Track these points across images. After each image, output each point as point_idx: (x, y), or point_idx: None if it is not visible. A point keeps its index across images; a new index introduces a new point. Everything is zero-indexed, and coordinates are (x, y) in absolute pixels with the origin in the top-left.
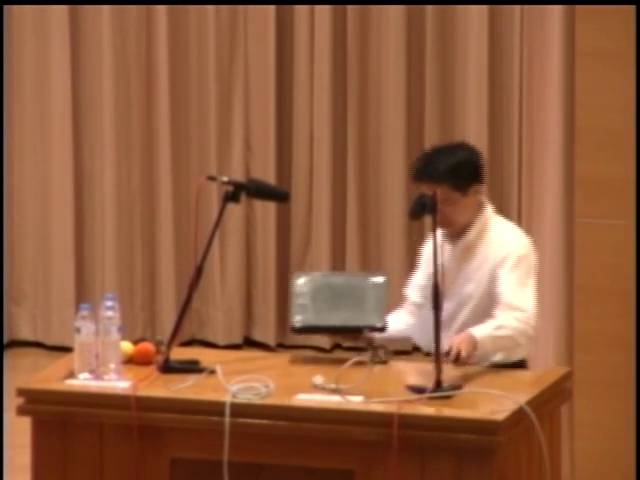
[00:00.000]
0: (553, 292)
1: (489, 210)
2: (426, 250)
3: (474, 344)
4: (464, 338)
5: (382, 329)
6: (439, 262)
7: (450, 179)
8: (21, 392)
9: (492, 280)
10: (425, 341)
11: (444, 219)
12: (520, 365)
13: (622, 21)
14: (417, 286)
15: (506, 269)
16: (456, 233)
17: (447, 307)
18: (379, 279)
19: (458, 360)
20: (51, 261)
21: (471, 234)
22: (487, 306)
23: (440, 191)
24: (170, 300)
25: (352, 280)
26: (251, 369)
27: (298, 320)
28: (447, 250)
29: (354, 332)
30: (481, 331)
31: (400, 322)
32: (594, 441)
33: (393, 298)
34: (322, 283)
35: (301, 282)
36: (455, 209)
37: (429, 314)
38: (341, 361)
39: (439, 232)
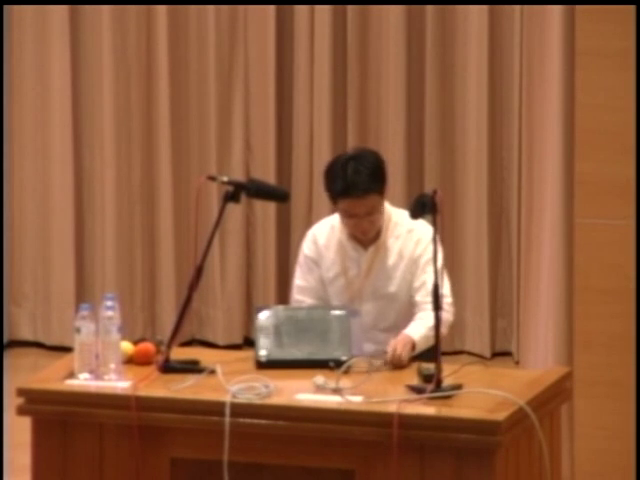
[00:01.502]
0: (553, 292)
1: (388, 206)
2: (314, 251)
3: (412, 346)
4: (403, 342)
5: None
6: (439, 262)
7: (376, 187)
8: (21, 392)
9: (410, 271)
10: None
11: (370, 226)
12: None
13: (622, 21)
14: (308, 289)
15: (424, 257)
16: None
17: (369, 307)
18: (341, 312)
19: (396, 362)
20: (51, 261)
21: (382, 233)
22: (406, 296)
23: (369, 201)
24: (170, 300)
25: (314, 314)
26: (251, 369)
27: (263, 355)
28: (357, 251)
29: (320, 366)
30: (417, 332)
31: None
32: (594, 441)
33: None
34: (285, 317)
35: (264, 317)
36: (379, 216)
37: None
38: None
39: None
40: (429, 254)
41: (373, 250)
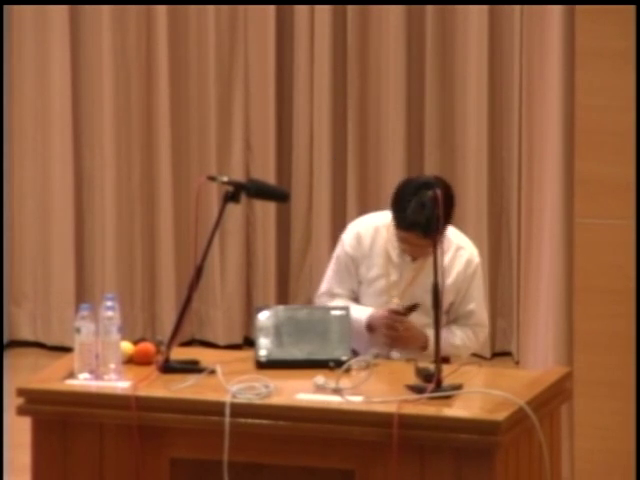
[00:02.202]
0: (553, 292)
1: None
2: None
3: (422, 345)
4: (418, 336)
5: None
6: (439, 262)
7: (431, 235)
8: (21, 392)
9: (456, 292)
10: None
11: (419, 252)
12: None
13: (622, 21)
14: (343, 284)
15: (475, 285)
16: None
17: (414, 317)
18: (341, 312)
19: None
20: (51, 261)
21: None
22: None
23: (423, 240)
24: (170, 300)
25: (314, 314)
26: (251, 369)
27: (263, 355)
28: (403, 259)
29: (320, 366)
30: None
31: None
32: (594, 441)
33: None
34: (285, 317)
35: (264, 317)
36: (430, 249)
37: None
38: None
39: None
40: (478, 281)
41: (421, 262)
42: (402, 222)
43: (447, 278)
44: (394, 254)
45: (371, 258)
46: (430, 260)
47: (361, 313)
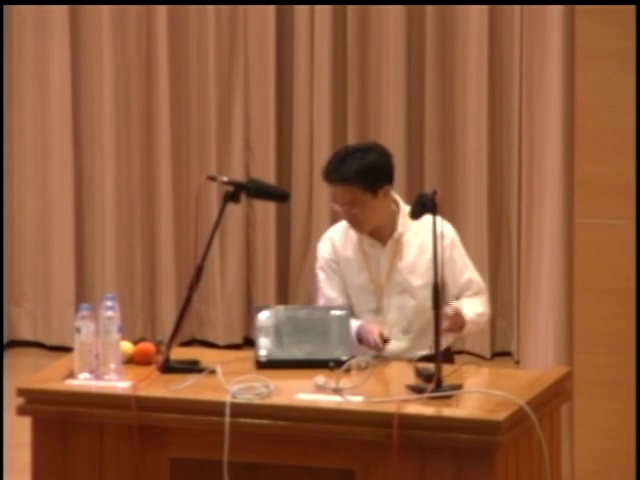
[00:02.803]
0: (553, 292)
1: (402, 204)
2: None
3: (462, 327)
4: (458, 322)
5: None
6: (439, 262)
7: (360, 181)
8: (21, 392)
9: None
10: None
11: (353, 220)
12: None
13: (622, 21)
14: (337, 288)
15: (457, 254)
16: (377, 234)
17: (393, 303)
18: (341, 312)
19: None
20: (51, 261)
21: (399, 228)
22: (428, 295)
23: (349, 192)
24: (170, 300)
25: (314, 314)
26: (251, 369)
27: (263, 355)
28: (375, 248)
29: (320, 366)
30: (468, 315)
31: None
32: (594, 441)
33: None
34: (285, 317)
35: (264, 317)
36: (364, 210)
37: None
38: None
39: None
40: (460, 249)
41: (391, 245)
42: (323, 172)
43: (424, 256)
44: (367, 244)
45: (347, 257)
46: (401, 246)
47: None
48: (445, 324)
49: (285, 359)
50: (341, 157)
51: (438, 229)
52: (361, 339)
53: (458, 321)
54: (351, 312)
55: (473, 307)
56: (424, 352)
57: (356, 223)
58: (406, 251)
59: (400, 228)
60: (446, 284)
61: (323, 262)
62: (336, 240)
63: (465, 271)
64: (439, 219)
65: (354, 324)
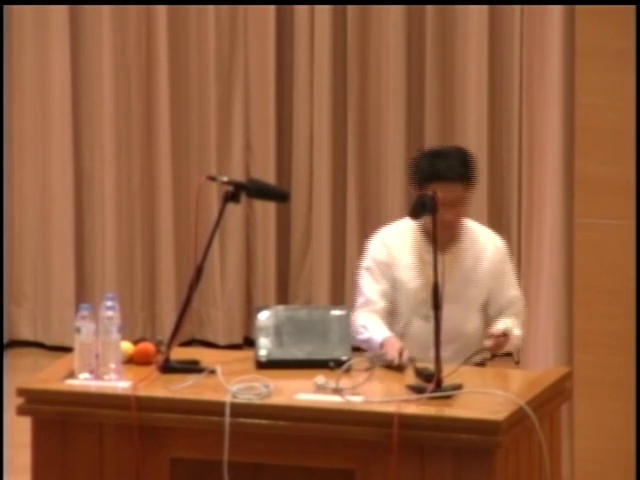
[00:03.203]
0: (553, 292)
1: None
2: (400, 257)
3: (501, 348)
4: (505, 341)
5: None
6: (439, 262)
7: (463, 176)
8: (21, 392)
9: (493, 277)
10: (421, 350)
11: (454, 221)
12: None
13: (622, 21)
14: (382, 292)
15: (508, 268)
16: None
17: (445, 311)
18: (341, 312)
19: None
20: (51, 261)
21: (459, 237)
22: (486, 305)
23: (455, 189)
24: (170, 300)
25: (314, 314)
26: (251, 369)
27: (263, 355)
28: (433, 254)
29: (320, 366)
30: (513, 334)
31: (384, 328)
32: (594, 441)
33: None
34: (285, 317)
35: (264, 317)
36: (463, 210)
37: (423, 325)
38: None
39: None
40: (510, 265)
41: (451, 252)
42: (431, 172)
43: (481, 264)
44: (424, 250)
45: (403, 261)
46: (460, 253)
47: (378, 334)
48: (489, 342)
49: (285, 359)
50: (442, 156)
51: (491, 241)
52: (382, 349)
53: (502, 343)
54: (394, 316)
55: (514, 329)
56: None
57: (454, 224)
58: (463, 260)
59: (461, 238)
60: (493, 297)
61: (373, 263)
62: (392, 244)
63: (511, 288)
64: (491, 232)
65: (383, 334)
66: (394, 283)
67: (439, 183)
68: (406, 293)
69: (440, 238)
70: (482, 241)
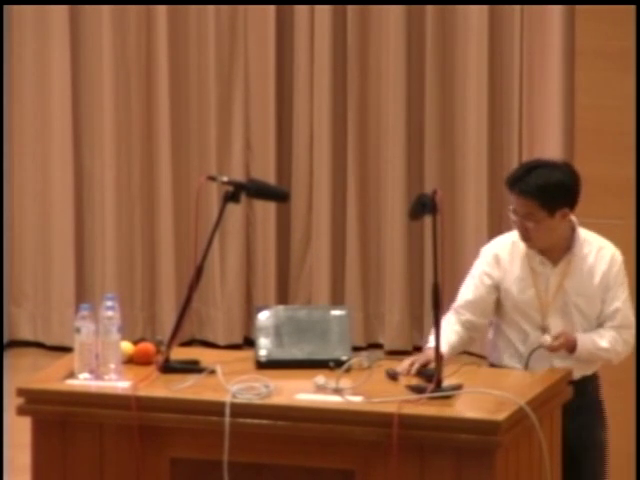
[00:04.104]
0: None
1: (578, 226)
2: (493, 267)
3: (571, 351)
4: (569, 344)
5: (348, 362)
6: (439, 262)
7: (538, 197)
8: (21, 392)
9: (604, 289)
10: (542, 360)
11: (525, 233)
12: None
13: (622, 21)
14: (473, 303)
15: (619, 281)
16: (549, 252)
17: (556, 322)
18: (341, 312)
19: (553, 347)
20: (51, 261)
21: (572, 250)
22: (595, 317)
23: (526, 205)
24: (170, 300)
25: (314, 314)
26: (251, 369)
27: (263, 355)
28: (545, 266)
29: (320, 366)
30: (585, 344)
31: (454, 335)
32: None
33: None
34: (285, 317)
35: (264, 317)
36: (538, 227)
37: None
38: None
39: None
40: (623, 279)
41: (562, 266)
42: (506, 178)
43: (593, 279)
44: (536, 262)
45: (514, 273)
46: (572, 263)
47: (431, 340)
48: (555, 342)
49: (285, 359)
50: (528, 168)
51: (606, 252)
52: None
53: (565, 342)
54: (477, 330)
55: (599, 338)
56: (587, 373)
57: (527, 237)
58: (576, 272)
59: (573, 250)
60: (602, 308)
61: (480, 272)
62: (503, 256)
63: (617, 300)
64: (607, 243)
65: (432, 343)
66: (504, 295)
67: (512, 193)
68: (517, 304)
69: (551, 250)
70: (595, 253)
